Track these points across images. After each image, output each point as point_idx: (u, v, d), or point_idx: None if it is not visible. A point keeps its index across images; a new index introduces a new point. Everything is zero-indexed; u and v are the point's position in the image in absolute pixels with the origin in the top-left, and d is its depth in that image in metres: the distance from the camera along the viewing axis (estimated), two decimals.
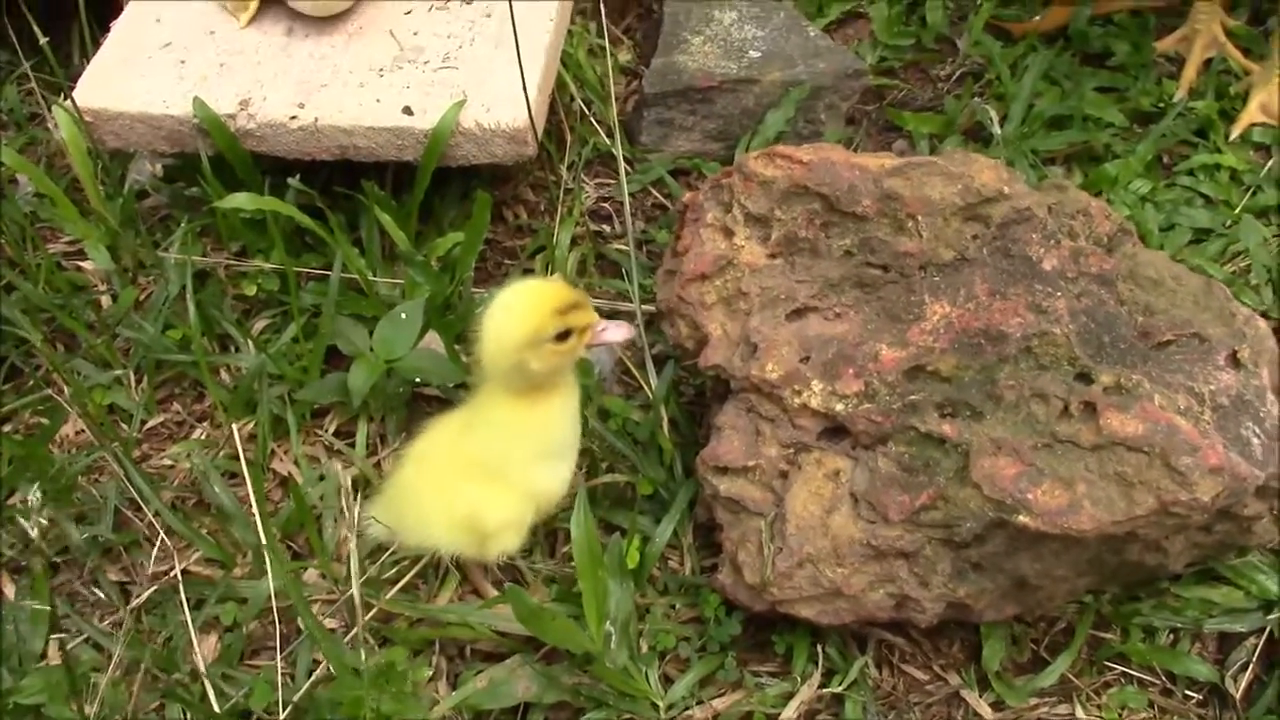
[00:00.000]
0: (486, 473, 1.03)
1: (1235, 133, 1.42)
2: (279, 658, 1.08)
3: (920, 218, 1.06)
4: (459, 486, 1.04)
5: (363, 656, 0.99)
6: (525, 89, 1.26)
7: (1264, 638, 1.09)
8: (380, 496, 1.10)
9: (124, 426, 1.27)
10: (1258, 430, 0.98)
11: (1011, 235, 1.06)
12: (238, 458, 1.20)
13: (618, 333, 1.01)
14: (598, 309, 1.27)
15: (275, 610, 1.10)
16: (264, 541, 1.10)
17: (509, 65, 1.29)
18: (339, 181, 1.37)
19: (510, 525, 1.05)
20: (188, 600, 1.13)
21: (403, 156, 1.32)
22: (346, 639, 1.08)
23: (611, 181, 1.47)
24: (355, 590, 0.99)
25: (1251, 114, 1.43)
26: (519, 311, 0.96)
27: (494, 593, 1.11)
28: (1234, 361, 1.02)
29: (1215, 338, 1.02)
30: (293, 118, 1.31)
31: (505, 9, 1.36)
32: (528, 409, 1.01)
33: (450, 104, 1.29)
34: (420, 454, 1.09)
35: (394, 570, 1.14)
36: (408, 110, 1.30)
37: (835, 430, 1.05)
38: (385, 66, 1.36)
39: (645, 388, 1.25)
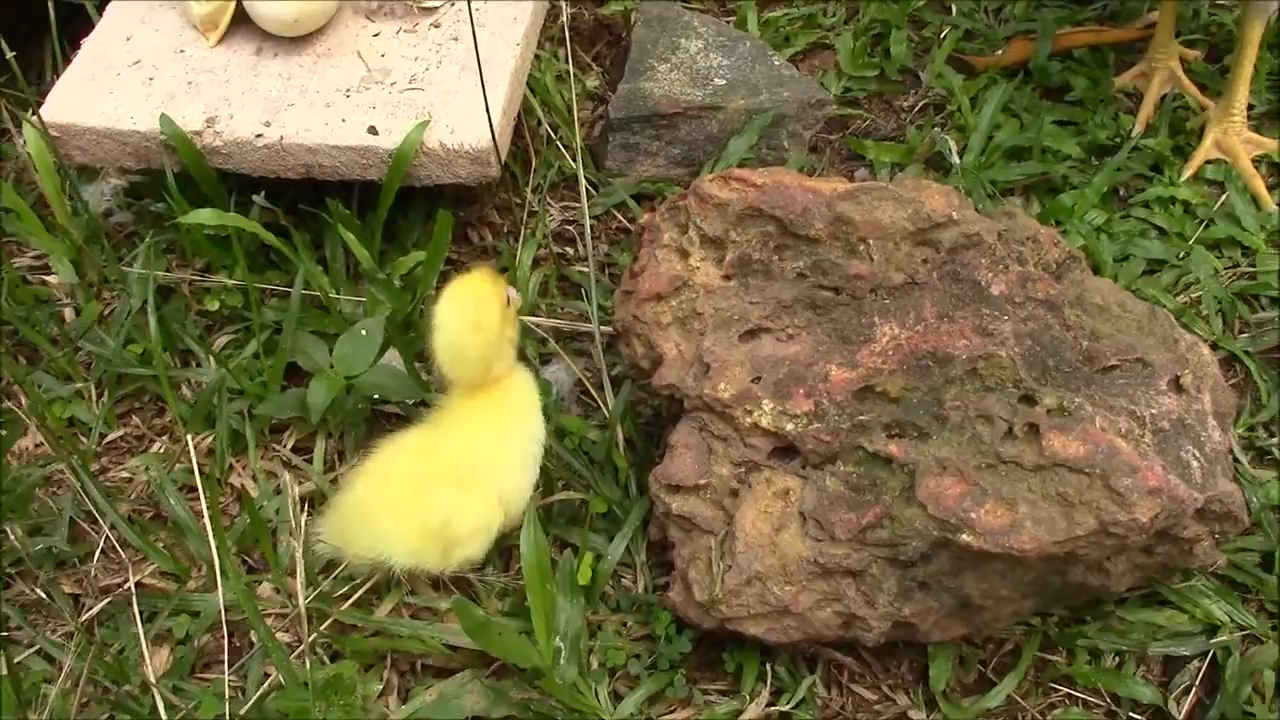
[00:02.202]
0: (456, 479, 1.07)
1: (1189, 170, 1.44)
2: (227, 670, 1.08)
3: (871, 241, 1.07)
4: (427, 497, 1.07)
5: (308, 668, 0.99)
6: (489, 111, 1.28)
7: (1207, 661, 1.10)
8: (331, 514, 1.10)
9: (83, 439, 1.27)
10: (1198, 454, 1.00)
11: (961, 260, 1.08)
12: (195, 471, 1.21)
13: (514, 294, 1.13)
14: (559, 330, 1.29)
15: (225, 623, 1.10)
16: (216, 554, 1.10)
17: (475, 88, 1.31)
18: (304, 199, 1.38)
19: (480, 531, 1.08)
20: (141, 613, 1.13)
21: (367, 176, 1.33)
22: (295, 653, 1.08)
23: (576, 205, 1.48)
24: (301, 603, 0.99)
25: (1206, 151, 1.46)
26: (483, 290, 1.08)
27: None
28: (1176, 386, 1.04)
29: (1158, 363, 1.04)
30: (259, 136, 1.32)
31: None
32: (491, 403, 1.10)
33: (415, 124, 1.31)
34: (376, 471, 1.10)
35: (348, 585, 1.14)
36: (373, 130, 1.32)
37: (785, 449, 1.06)
38: (352, 87, 1.37)
39: (602, 407, 1.26)
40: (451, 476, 1.08)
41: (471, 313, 1.07)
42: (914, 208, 1.08)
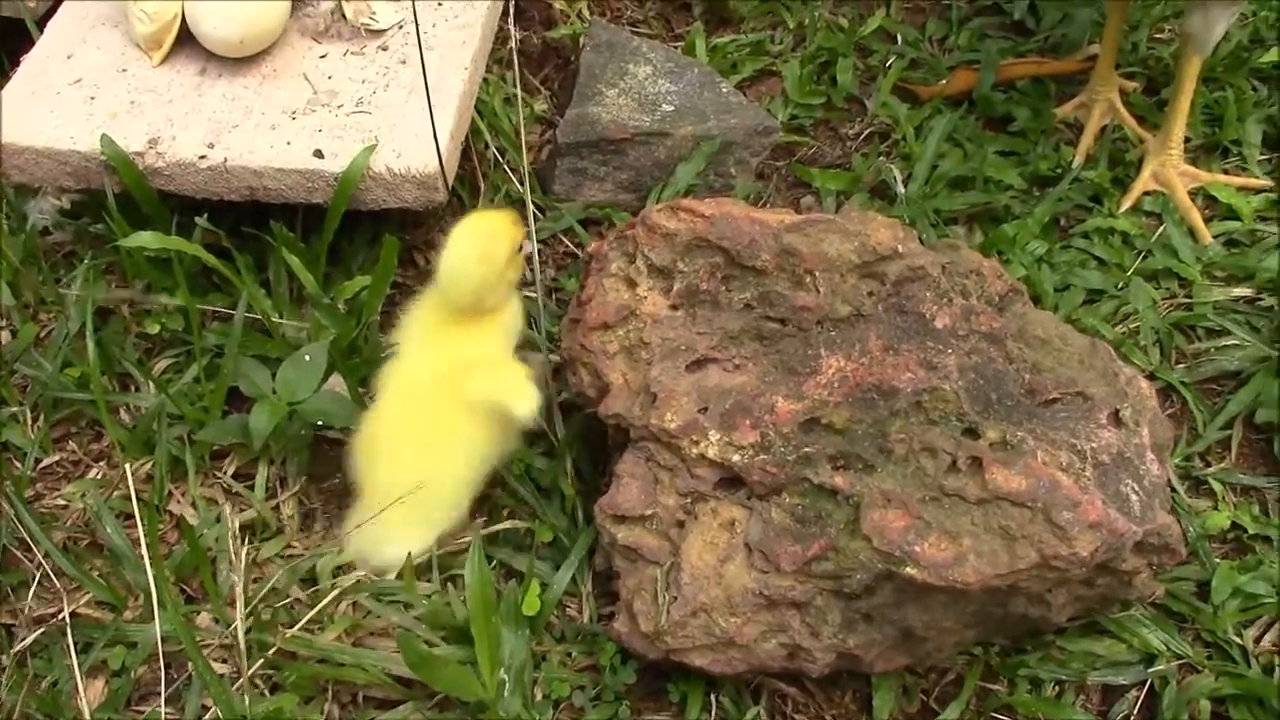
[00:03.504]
0: (484, 363, 1.14)
1: (1127, 202, 1.47)
2: (163, 703, 1.06)
3: (818, 273, 1.08)
4: (466, 386, 1.11)
5: (247, 703, 0.98)
6: (436, 136, 1.27)
7: (1145, 690, 1.11)
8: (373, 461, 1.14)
9: (18, 465, 1.24)
10: (1137, 487, 1.01)
11: (906, 293, 1.09)
12: (132, 498, 1.19)
13: (529, 245, 1.19)
14: None
15: (161, 654, 1.08)
16: (152, 583, 1.08)
17: (422, 112, 1.30)
18: (248, 222, 1.37)
19: (527, 383, 1.12)
20: (76, 644, 1.11)
21: (312, 199, 1.32)
22: (236, 685, 1.06)
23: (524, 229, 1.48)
24: (240, 636, 0.98)
25: (1144, 183, 1.48)
26: (500, 228, 1.15)
27: None
28: (1116, 420, 1.05)
29: (1098, 396, 1.05)
30: (202, 157, 1.31)
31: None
32: (489, 320, 1.16)
33: (361, 148, 1.30)
34: (397, 397, 1.15)
35: (292, 613, 1.13)
36: (318, 153, 1.31)
37: (732, 480, 1.06)
38: (298, 109, 1.36)
39: (550, 435, 1.25)
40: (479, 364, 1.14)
41: (482, 244, 1.13)
42: (860, 240, 1.08)
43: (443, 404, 1.12)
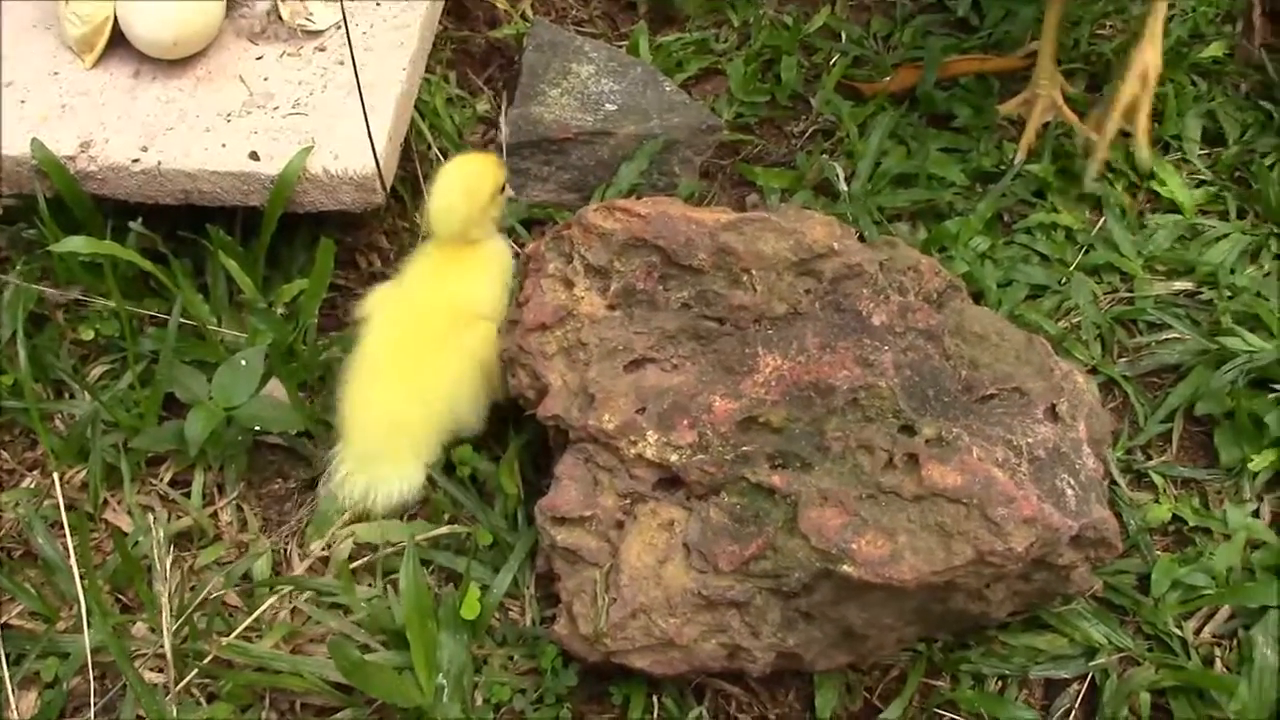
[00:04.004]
0: (471, 310, 1.20)
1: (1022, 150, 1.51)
2: (93, 715, 1.05)
3: (754, 272, 1.08)
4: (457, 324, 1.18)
5: (175, 713, 0.96)
6: (371, 137, 1.26)
7: (1086, 683, 1.12)
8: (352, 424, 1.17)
9: None
10: (1072, 482, 1.01)
11: (843, 290, 1.08)
12: (67, 507, 1.17)
13: (509, 191, 1.30)
14: None
15: (90, 665, 1.06)
16: (82, 594, 1.06)
17: (360, 113, 1.29)
18: (186, 225, 1.35)
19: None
20: (8, 655, 1.09)
21: (249, 202, 1.30)
22: (170, 695, 1.05)
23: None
24: (167, 644, 0.97)
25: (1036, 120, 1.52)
26: (485, 169, 1.24)
27: None
28: (1052, 415, 1.05)
29: (1035, 392, 1.06)
30: (135, 161, 1.29)
31: (358, 59, 1.36)
32: (484, 253, 1.24)
33: (298, 150, 1.28)
34: (392, 323, 1.20)
35: (227, 621, 1.11)
36: (254, 155, 1.29)
37: (670, 480, 1.06)
38: (234, 111, 1.35)
39: (496, 434, 1.25)
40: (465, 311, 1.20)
41: (468, 181, 1.22)
42: (796, 238, 1.08)
43: (435, 334, 1.18)
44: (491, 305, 1.22)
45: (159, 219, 1.34)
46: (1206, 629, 1.15)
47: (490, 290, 1.24)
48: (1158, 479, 1.25)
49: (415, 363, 1.17)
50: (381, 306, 1.22)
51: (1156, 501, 1.23)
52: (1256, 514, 1.22)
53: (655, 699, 1.10)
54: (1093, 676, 1.12)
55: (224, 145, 1.31)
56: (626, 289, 1.10)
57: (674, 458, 1.04)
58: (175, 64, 1.38)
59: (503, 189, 1.26)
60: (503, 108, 1.56)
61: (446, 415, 1.18)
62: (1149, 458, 1.28)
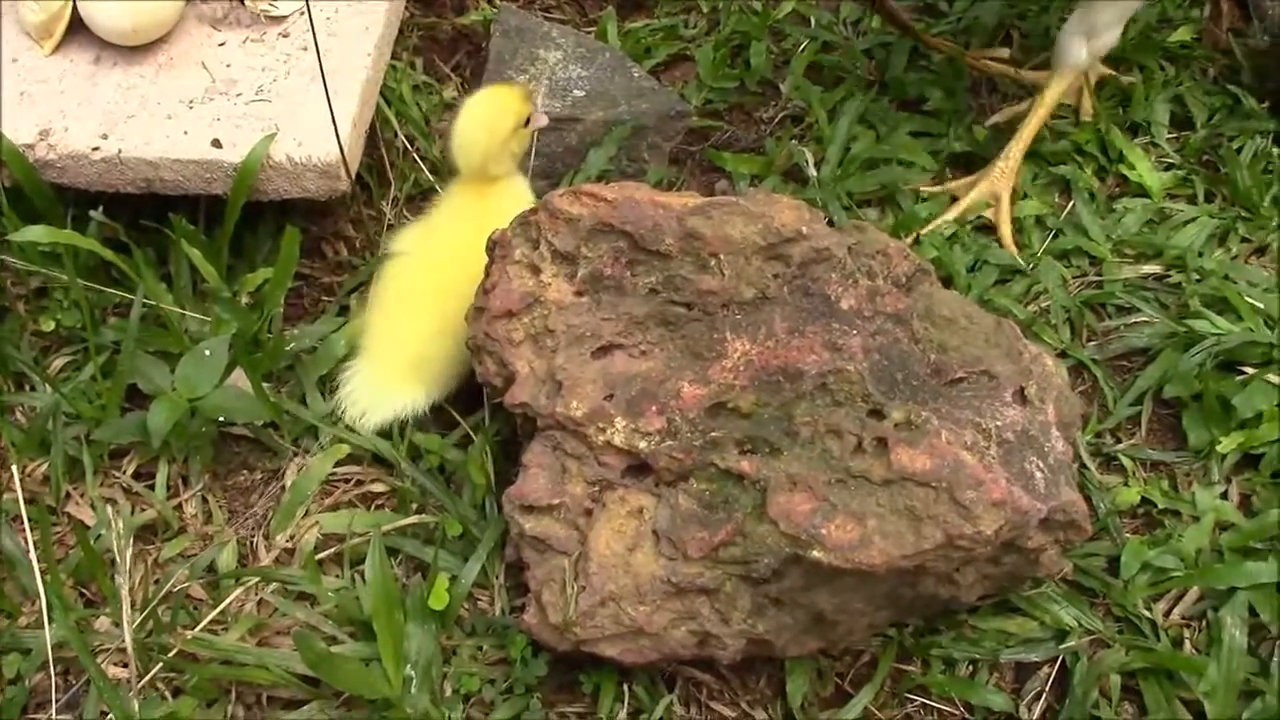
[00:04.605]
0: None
1: (952, 213, 1.43)
2: (54, 711, 1.03)
3: (722, 256, 1.07)
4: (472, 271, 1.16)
5: (137, 708, 0.95)
6: (335, 123, 1.25)
7: (1057, 666, 1.12)
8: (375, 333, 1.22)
9: None
10: (1041, 465, 1.01)
11: (811, 274, 1.08)
12: (27, 501, 1.15)
13: (542, 119, 1.32)
14: None
15: (52, 661, 1.05)
16: (43, 589, 1.05)
17: (324, 100, 1.27)
18: (149, 214, 1.33)
19: None
20: None
21: (211, 190, 1.29)
22: (133, 690, 1.03)
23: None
24: (127, 637, 0.95)
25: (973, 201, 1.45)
26: (508, 103, 1.25)
27: None
28: (1021, 398, 1.05)
29: (1004, 375, 1.05)
30: (95, 149, 1.27)
31: (322, 44, 1.34)
32: (504, 193, 1.26)
33: (261, 137, 1.27)
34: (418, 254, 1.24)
35: (192, 614, 1.10)
36: (216, 143, 1.28)
37: (639, 467, 1.05)
38: (195, 98, 1.33)
39: (462, 424, 1.24)
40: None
41: (490, 116, 1.23)
42: (764, 223, 1.07)
43: (455, 266, 1.19)
44: None
45: (121, 207, 1.32)
46: (1176, 611, 1.15)
47: None
48: (1127, 462, 1.25)
49: (439, 297, 1.19)
50: (409, 241, 1.26)
51: (1126, 484, 1.23)
52: (1225, 496, 1.22)
53: (626, 687, 1.09)
54: (1063, 659, 1.12)
55: (186, 133, 1.29)
56: (594, 275, 1.09)
57: (642, 445, 1.04)
58: (136, 50, 1.36)
59: (527, 122, 1.27)
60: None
61: (463, 350, 1.18)
62: (1118, 441, 1.28)
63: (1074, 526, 1.03)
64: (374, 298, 1.24)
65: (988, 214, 1.44)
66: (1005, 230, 1.43)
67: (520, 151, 1.28)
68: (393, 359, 1.21)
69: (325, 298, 1.38)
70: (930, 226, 1.42)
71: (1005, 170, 1.44)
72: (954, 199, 1.46)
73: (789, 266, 1.08)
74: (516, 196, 1.27)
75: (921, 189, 1.48)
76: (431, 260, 1.22)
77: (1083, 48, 1.40)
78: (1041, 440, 1.03)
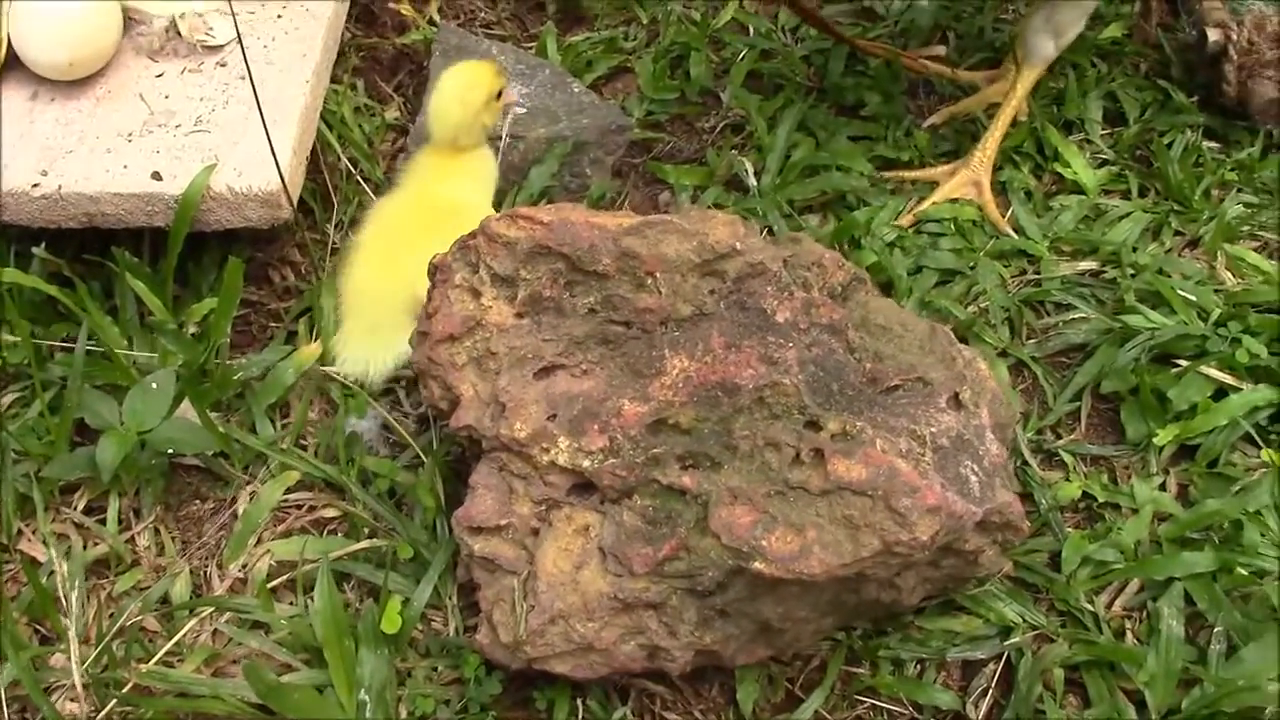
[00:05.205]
0: (462, 215, 1.25)
1: (927, 204, 1.49)
2: None
3: (659, 275, 1.08)
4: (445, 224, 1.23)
5: None
6: (274, 152, 1.25)
7: (1002, 663, 1.14)
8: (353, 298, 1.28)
9: None
10: (976, 468, 1.03)
11: (747, 289, 1.09)
12: None
13: (512, 95, 1.42)
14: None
15: (4, 700, 1.05)
16: None
17: (263, 128, 1.28)
18: (92, 247, 1.34)
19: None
20: None
21: (153, 223, 1.30)
22: None
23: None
24: (76, 677, 0.96)
25: (955, 187, 1.51)
26: (480, 78, 1.35)
27: None
28: (955, 403, 1.07)
29: (938, 381, 1.07)
30: (35, 185, 1.28)
31: (260, 73, 1.35)
32: (472, 160, 1.36)
33: (201, 168, 1.27)
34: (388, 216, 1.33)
35: (147, 647, 1.11)
36: (156, 176, 1.29)
37: (584, 486, 1.07)
38: (134, 131, 1.33)
39: (414, 446, 1.25)
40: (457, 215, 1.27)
41: (462, 89, 1.33)
42: (699, 240, 1.09)
43: (423, 229, 1.28)
44: (480, 210, 1.30)
45: (64, 241, 1.33)
46: (1117, 603, 1.17)
47: (480, 196, 1.37)
48: (1067, 457, 1.27)
49: (415, 250, 1.22)
50: (380, 207, 1.35)
51: (1067, 479, 1.26)
52: (1163, 487, 1.24)
53: (580, 702, 1.11)
54: (1008, 655, 1.14)
55: (125, 166, 1.29)
56: (533, 297, 1.11)
57: (586, 463, 1.05)
58: (74, 84, 1.37)
59: (499, 96, 1.36)
60: (414, 116, 1.56)
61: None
62: (1059, 437, 1.30)
63: (1010, 527, 1.06)
64: (352, 263, 1.30)
65: (972, 198, 1.49)
66: (991, 211, 1.48)
67: (491, 124, 1.37)
68: (379, 310, 1.28)
69: (273, 323, 1.39)
70: (922, 207, 1.49)
71: (983, 159, 1.50)
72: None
73: (724, 282, 1.09)
74: (482, 165, 1.37)
75: (905, 175, 1.53)
76: (407, 218, 1.32)
77: (1050, 42, 1.45)
78: (976, 444, 1.05)
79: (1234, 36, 1.53)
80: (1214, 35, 1.54)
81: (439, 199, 1.33)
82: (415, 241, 1.26)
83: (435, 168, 1.35)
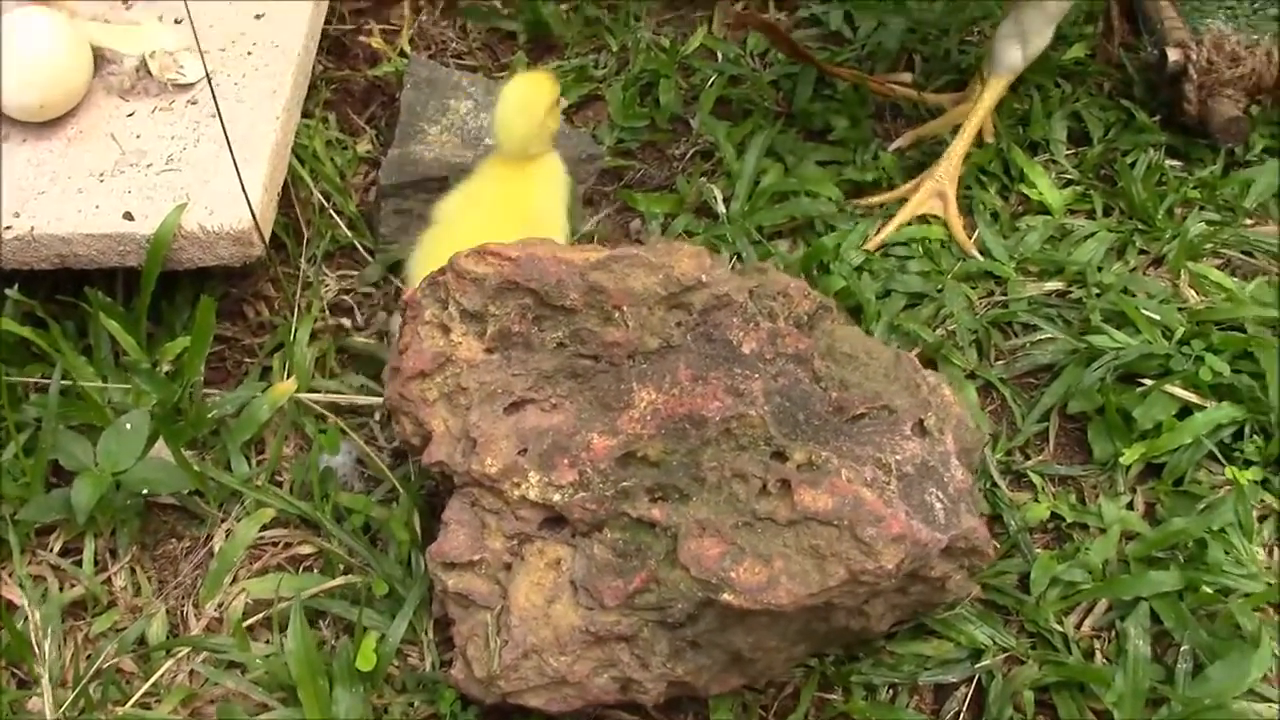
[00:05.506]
0: (537, 221, 1.31)
1: (897, 220, 1.50)
2: None
3: (626, 308, 1.10)
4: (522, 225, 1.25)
5: None
6: (245, 191, 1.27)
7: (973, 686, 1.15)
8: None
9: None
10: (940, 495, 1.05)
11: (713, 320, 1.11)
12: None
13: (562, 100, 1.42)
14: (338, 405, 1.28)
15: None
16: None
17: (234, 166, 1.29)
18: (66, 287, 1.34)
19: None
20: None
21: (126, 262, 1.30)
22: None
23: (353, 274, 1.48)
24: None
25: (920, 202, 1.52)
26: (539, 87, 1.37)
27: None
28: (920, 430, 1.09)
29: (902, 408, 1.09)
30: (8, 228, 1.29)
31: (230, 111, 1.36)
32: (540, 164, 1.37)
33: (172, 208, 1.28)
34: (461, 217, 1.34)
35: (124, 689, 1.11)
36: (128, 216, 1.29)
37: (555, 520, 1.08)
38: (106, 171, 1.34)
39: (391, 480, 1.26)
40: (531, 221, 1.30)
41: (525, 99, 1.35)
42: (665, 272, 1.10)
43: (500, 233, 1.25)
44: (557, 220, 1.36)
45: (37, 282, 1.33)
46: (1086, 623, 1.18)
47: (554, 204, 1.37)
48: (1036, 478, 1.29)
49: None
50: (452, 209, 1.36)
51: (1036, 500, 1.27)
52: (1130, 506, 1.26)
53: None
54: (979, 678, 1.15)
55: (97, 207, 1.30)
56: (502, 332, 1.12)
57: (556, 497, 1.06)
58: (45, 125, 1.38)
59: (557, 101, 1.38)
60: (387, 148, 1.57)
61: None
62: (1027, 457, 1.32)
63: (976, 552, 1.07)
64: (419, 263, 1.32)
65: (936, 212, 1.51)
66: (955, 226, 1.49)
67: (555, 128, 1.39)
68: None
69: (248, 359, 1.40)
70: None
71: (948, 170, 1.51)
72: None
73: (691, 314, 1.11)
74: (553, 170, 1.39)
75: (873, 200, 1.54)
76: (476, 227, 1.30)
77: (1018, 50, 1.47)
78: (941, 471, 1.06)
79: (1194, 56, 1.55)
80: (1174, 55, 1.57)
81: (512, 210, 1.35)
82: None
83: (507, 177, 1.37)
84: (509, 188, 1.36)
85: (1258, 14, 1.68)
